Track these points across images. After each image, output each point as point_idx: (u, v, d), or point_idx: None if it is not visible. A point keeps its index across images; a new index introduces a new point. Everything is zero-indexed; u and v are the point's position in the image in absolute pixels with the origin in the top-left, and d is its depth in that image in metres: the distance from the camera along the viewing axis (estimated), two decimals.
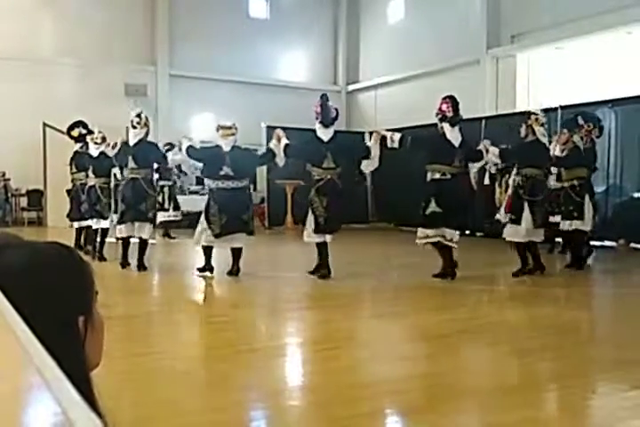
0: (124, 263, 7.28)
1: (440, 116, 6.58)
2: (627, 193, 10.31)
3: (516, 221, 6.78)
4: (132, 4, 15.74)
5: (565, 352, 3.93)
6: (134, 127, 7.24)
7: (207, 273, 6.76)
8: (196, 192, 14.20)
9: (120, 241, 7.33)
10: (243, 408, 2.96)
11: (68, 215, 8.99)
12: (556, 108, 10.30)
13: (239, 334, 4.50)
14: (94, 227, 8.11)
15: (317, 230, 6.58)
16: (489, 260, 8.62)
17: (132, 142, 7.25)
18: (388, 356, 3.93)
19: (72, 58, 14.66)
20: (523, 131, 6.82)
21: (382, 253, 9.72)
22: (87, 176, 8.30)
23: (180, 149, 7.06)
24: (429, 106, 13.70)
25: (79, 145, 8.73)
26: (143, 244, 7.20)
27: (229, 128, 6.83)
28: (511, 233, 6.82)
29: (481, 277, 6.97)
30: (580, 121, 7.63)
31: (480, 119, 11.78)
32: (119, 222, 7.21)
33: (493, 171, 10.19)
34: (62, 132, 13.36)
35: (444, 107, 6.55)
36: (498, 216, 10.00)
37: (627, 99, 10.04)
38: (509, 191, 7.27)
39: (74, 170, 8.73)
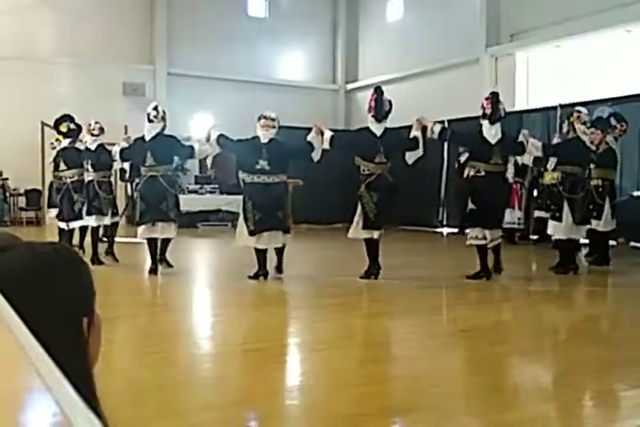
0: (155, 269, 6.75)
1: (480, 113, 6.59)
2: (626, 192, 10.31)
3: (558, 217, 6.87)
4: (130, 4, 15.72)
5: (563, 352, 3.94)
6: (151, 121, 6.85)
7: (261, 279, 6.37)
8: (194, 191, 14.21)
9: (146, 243, 6.86)
10: (241, 408, 2.97)
11: (58, 216, 8.40)
12: (555, 107, 10.31)
13: (237, 334, 4.51)
14: (93, 224, 7.75)
15: (366, 226, 6.41)
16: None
17: (148, 137, 6.82)
18: (387, 355, 3.93)
19: (70, 57, 14.64)
20: (565, 127, 6.96)
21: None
22: (82, 172, 7.95)
23: (208, 140, 6.70)
24: (428, 104, 13.81)
25: (68, 141, 8.31)
26: (165, 243, 6.83)
27: (272, 120, 6.52)
28: (553, 229, 6.95)
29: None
30: (613, 121, 7.68)
31: (479, 117, 11.76)
32: (139, 223, 6.79)
33: (527, 162, 9.88)
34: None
35: (485, 103, 6.55)
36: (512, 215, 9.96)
37: (626, 97, 10.05)
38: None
39: (63, 167, 8.30)
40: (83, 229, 8.29)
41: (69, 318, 0.80)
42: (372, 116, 6.57)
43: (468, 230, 6.64)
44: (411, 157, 6.54)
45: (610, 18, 11.26)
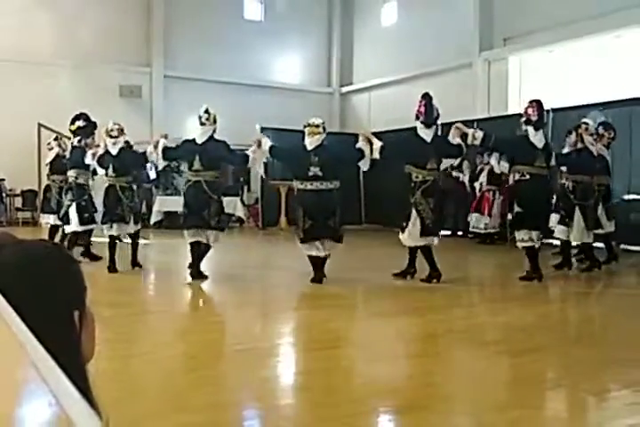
0: (196, 274, 6.51)
1: (525, 119, 6.66)
2: (617, 195, 10.34)
3: (567, 223, 7.29)
4: (127, 7, 15.71)
5: (556, 352, 3.94)
6: (202, 124, 6.63)
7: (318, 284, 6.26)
8: None
9: (189, 247, 6.61)
10: (239, 407, 2.96)
11: (81, 220, 7.64)
12: (547, 111, 10.34)
13: (235, 334, 4.50)
14: (115, 234, 7.13)
15: (424, 233, 6.33)
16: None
17: (199, 140, 6.60)
18: (383, 355, 3.93)
19: (67, 59, 14.61)
20: (572, 138, 7.29)
21: (375, 254, 9.73)
22: (94, 174, 7.61)
23: (259, 146, 6.57)
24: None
25: (77, 139, 7.82)
26: (204, 249, 6.55)
27: (317, 126, 6.36)
28: (562, 233, 7.32)
29: (475, 278, 6.98)
30: (601, 130, 7.89)
31: (472, 121, 11.80)
32: (183, 227, 6.59)
33: (504, 170, 10.08)
34: (58, 133, 13.37)
35: (530, 110, 6.63)
36: (478, 220, 10.46)
37: (617, 101, 10.09)
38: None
39: (71, 166, 7.78)
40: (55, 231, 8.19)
41: (60, 311, 0.80)
42: (422, 122, 6.50)
43: (515, 233, 6.70)
44: (365, 164, 6.50)
45: (601, 24, 11.33)
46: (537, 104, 6.67)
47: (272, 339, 4.34)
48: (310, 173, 6.18)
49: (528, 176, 6.52)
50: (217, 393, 3.14)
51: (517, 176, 6.64)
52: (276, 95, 16.61)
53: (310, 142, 6.31)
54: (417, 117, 6.55)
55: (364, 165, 6.49)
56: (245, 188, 15.44)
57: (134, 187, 7.47)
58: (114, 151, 7.18)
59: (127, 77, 15.51)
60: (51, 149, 9.08)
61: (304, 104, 16.56)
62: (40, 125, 13.47)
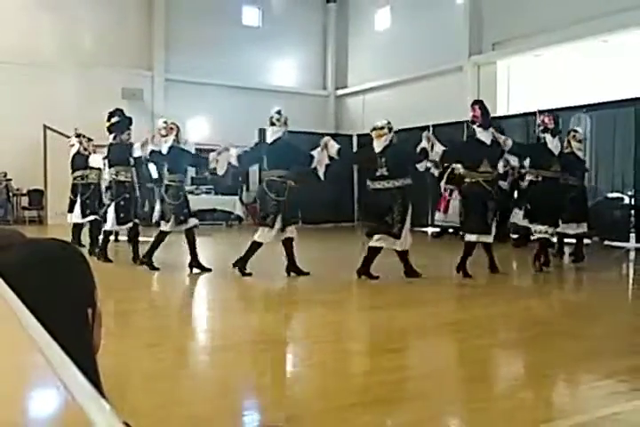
0: (241, 267, 6.49)
1: (542, 127, 7.10)
2: (601, 193, 10.39)
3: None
4: (129, 12, 15.69)
5: (541, 344, 3.97)
6: (273, 124, 6.53)
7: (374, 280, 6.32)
8: (191, 192, 14.14)
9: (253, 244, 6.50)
10: (239, 398, 2.97)
11: (127, 219, 7.32)
12: (534, 113, 10.39)
13: (231, 328, 4.50)
14: (168, 230, 6.89)
15: (470, 230, 6.58)
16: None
17: (270, 140, 6.53)
18: (376, 348, 3.95)
19: (71, 63, 14.57)
20: (565, 144, 7.62)
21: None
22: (127, 171, 7.33)
23: (324, 149, 6.52)
24: (414, 110, 13.86)
25: (112, 136, 7.48)
26: (289, 244, 6.51)
27: (381, 128, 6.37)
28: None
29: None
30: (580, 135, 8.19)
31: (462, 123, 11.82)
32: (267, 225, 6.48)
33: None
34: (62, 134, 13.35)
35: (546, 120, 7.07)
36: (437, 217, 10.96)
37: (601, 104, 10.13)
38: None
39: (111, 164, 7.40)
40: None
41: (76, 308, 0.81)
42: (479, 126, 6.62)
43: (531, 226, 7.17)
44: (422, 166, 6.70)
45: (587, 29, 11.36)
46: (552, 114, 7.24)
47: (268, 333, 4.35)
48: (378, 174, 6.26)
49: (541, 179, 6.99)
50: (215, 385, 3.15)
51: (533, 177, 7.15)
52: (273, 98, 16.55)
53: (378, 145, 6.34)
54: (473, 122, 6.71)
55: (421, 168, 6.59)
56: (244, 187, 15.45)
57: (182, 185, 7.04)
58: (164, 150, 6.94)
59: (129, 80, 15.48)
60: (72, 145, 8.70)
61: (300, 106, 16.54)
62: (45, 127, 13.43)
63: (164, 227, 6.89)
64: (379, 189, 6.27)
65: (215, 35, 16.28)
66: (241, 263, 6.54)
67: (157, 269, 6.91)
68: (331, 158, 6.60)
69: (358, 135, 13.87)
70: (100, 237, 7.87)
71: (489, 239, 6.59)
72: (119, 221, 7.34)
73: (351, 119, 17.68)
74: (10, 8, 14.02)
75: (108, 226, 7.47)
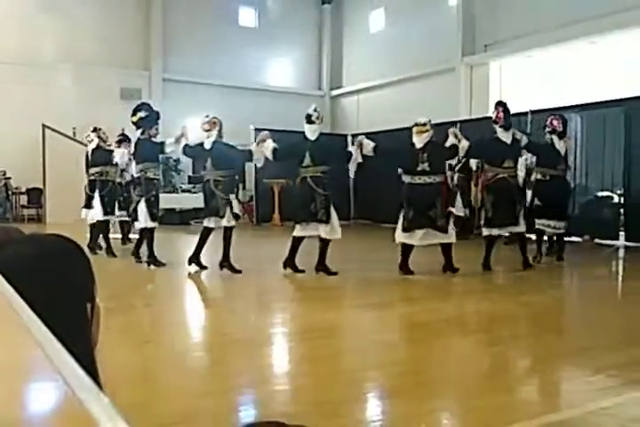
0: (292, 266, 6.48)
1: (550, 129, 7.41)
2: (592, 192, 10.42)
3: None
4: (127, 13, 15.64)
5: (535, 340, 3.98)
6: (311, 122, 6.50)
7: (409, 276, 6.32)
8: (188, 191, 14.15)
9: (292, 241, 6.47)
10: (235, 393, 2.97)
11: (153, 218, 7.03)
12: (526, 113, 10.41)
13: (231, 324, 4.50)
14: (212, 226, 6.64)
15: (490, 225, 6.77)
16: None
17: (312, 137, 6.48)
18: (372, 343, 3.95)
19: (70, 63, 14.51)
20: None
21: (365, 248, 9.75)
22: (155, 168, 7.11)
23: (359, 147, 6.46)
24: (408, 110, 13.85)
25: (140, 131, 7.19)
26: (324, 243, 6.45)
27: (424, 125, 6.41)
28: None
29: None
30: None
31: (455, 122, 11.83)
32: (297, 222, 6.48)
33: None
34: (61, 133, 13.31)
35: (555, 122, 7.40)
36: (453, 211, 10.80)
37: (592, 104, 10.15)
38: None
39: (138, 160, 7.08)
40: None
41: (75, 303, 0.80)
42: (501, 126, 6.78)
43: (537, 221, 7.46)
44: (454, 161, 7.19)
45: (577, 30, 11.40)
46: (561, 117, 7.55)
47: (267, 328, 4.34)
48: (419, 169, 6.33)
49: (548, 177, 7.38)
50: (215, 380, 3.15)
51: (539, 176, 7.50)
52: (269, 98, 16.58)
53: (419, 140, 6.40)
54: (495, 122, 6.84)
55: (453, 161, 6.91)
56: (240, 186, 15.43)
57: (231, 180, 6.84)
58: (207, 145, 6.70)
59: (127, 80, 15.42)
60: (91, 140, 8.37)
61: (296, 106, 16.45)
62: (44, 126, 13.39)
63: (211, 223, 6.63)
64: (420, 184, 6.33)
65: (212, 35, 16.26)
66: (289, 262, 6.53)
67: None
68: (363, 157, 6.55)
69: (353, 135, 13.87)
70: (132, 236, 7.70)
71: (521, 229, 6.75)
72: (153, 218, 7.06)
73: (346, 119, 17.69)
74: (9, 8, 13.96)
75: (141, 224, 7.04)
